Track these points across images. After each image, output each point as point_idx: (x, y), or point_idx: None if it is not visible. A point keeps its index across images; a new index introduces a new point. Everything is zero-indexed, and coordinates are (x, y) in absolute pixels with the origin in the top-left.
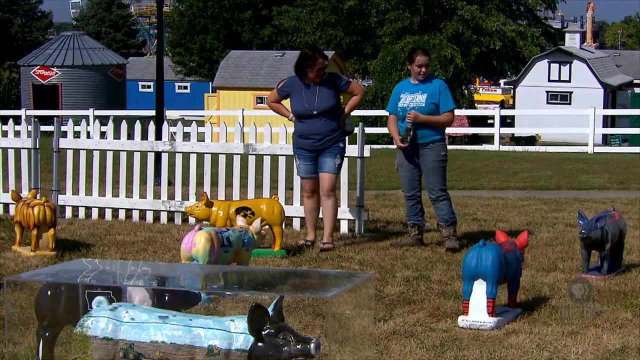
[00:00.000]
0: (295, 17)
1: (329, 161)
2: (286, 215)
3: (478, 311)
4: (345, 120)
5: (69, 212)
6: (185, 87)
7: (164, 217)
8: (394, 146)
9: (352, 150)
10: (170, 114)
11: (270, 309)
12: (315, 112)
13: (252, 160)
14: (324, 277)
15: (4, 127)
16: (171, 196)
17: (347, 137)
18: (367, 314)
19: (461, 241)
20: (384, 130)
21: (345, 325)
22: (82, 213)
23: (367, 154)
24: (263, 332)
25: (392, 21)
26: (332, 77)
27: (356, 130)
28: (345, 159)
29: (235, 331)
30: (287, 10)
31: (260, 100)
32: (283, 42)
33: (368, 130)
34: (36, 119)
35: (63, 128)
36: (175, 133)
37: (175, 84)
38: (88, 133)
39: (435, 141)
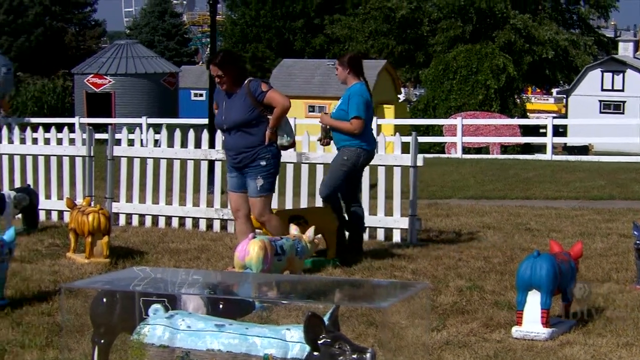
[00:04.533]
0: (347, 26)
1: (250, 184)
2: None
3: (532, 322)
4: (275, 133)
5: (122, 220)
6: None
7: (217, 225)
8: (445, 155)
9: (405, 159)
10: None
11: (326, 318)
12: (224, 127)
13: (305, 168)
14: (378, 286)
15: (59, 135)
16: (224, 204)
17: (280, 152)
18: (420, 324)
19: (513, 250)
20: (436, 139)
21: (399, 335)
22: (135, 221)
23: (420, 163)
24: (319, 342)
25: (444, 30)
26: (249, 87)
27: (409, 139)
28: (398, 169)
29: (291, 340)
30: (340, 19)
31: (312, 108)
32: (335, 51)
33: (420, 139)
34: (91, 127)
35: (117, 136)
36: None
37: None
38: (142, 141)
39: (344, 146)
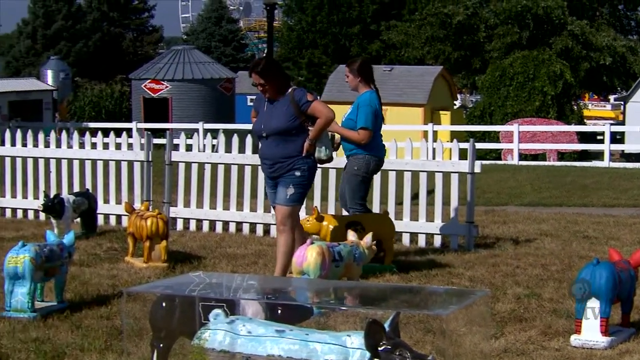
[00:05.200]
0: (403, 32)
1: (280, 191)
2: (396, 230)
3: (591, 330)
4: (314, 146)
5: (180, 225)
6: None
7: (274, 231)
8: (501, 161)
9: (462, 165)
10: None
11: (386, 325)
12: (264, 134)
13: None
14: (437, 294)
15: (117, 140)
16: None
17: (316, 165)
18: (478, 331)
19: (571, 258)
20: (492, 145)
21: (457, 342)
22: (193, 225)
23: (477, 169)
24: (379, 348)
25: (500, 36)
26: (294, 95)
27: (466, 145)
28: (455, 175)
29: (352, 346)
30: (396, 25)
31: None
32: (391, 57)
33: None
34: (149, 132)
35: (175, 141)
36: None
37: None
38: (201, 146)
39: (352, 155)
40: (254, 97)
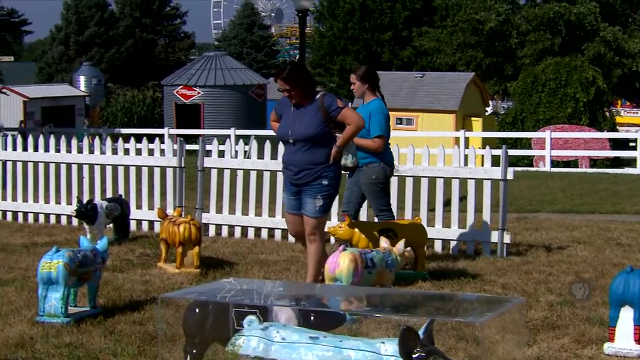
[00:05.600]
0: (435, 38)
1: (308, 203)
2: (428, 237)
3: (625, 338)
4: (341, 153)
5: (212, 231)
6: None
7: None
8: (533, 168)
9: (495, 172)
10: None
11: (421, 332)
12: (291, 140)
13: (394, 181)
14: (469, 301)
15: (150, 146)
16: None
17: (341, 172)
18: (512, 339)
19: (604, 265)
20: (524, 152)
21: (492, 350)
22: (225, 231)
23: (510, 176)
24: (413, 355)
25: (532, 42)
26: (323, 101)
27: (499, 152)
28: (488, 182)
29: (386, 353)
30: (427, 31)
31: (399, 121)
32: (423, 64)
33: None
34: (181, 138)
35: (207, 147)
36: None
37: None
38: (233, 152)
39: (366, 164)
40: None
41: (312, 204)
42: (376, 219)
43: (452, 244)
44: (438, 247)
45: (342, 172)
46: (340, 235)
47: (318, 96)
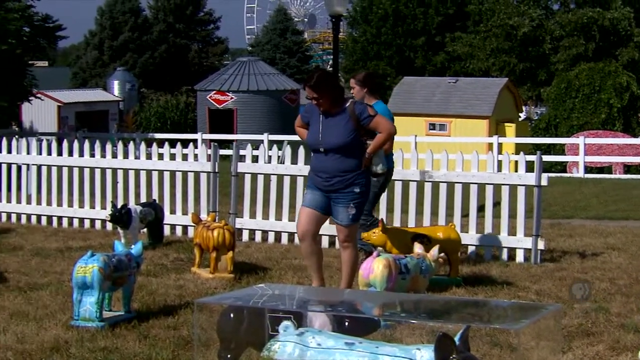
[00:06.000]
0: (468, 44)
1: (341, 211)
2: (462, 243)
3: None
4: (371, 160)
5: (246, 236)
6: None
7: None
8: (567, 174)
9: (529, 178)
10: None
11: (456, 339)
12: (322, 149)
13: (428, 187)
14: (504, 307)
15: (184, 151)
16: None
17: (371, 179)
18: (547, 346)
19: (639, 272)
20: (557, 158)
21: (527, 357)
22: (258, 237)
23: (544, 182)
24: None
25: (566, 48)
26: (354, 109)
27: (533, 158)
28: (522, 188)
29: None
30: (461, 36)
31: (432, 126)
32: (456, 69)
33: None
34: (216, 144)
35: (241, 152)
36: None
37: None
38: (266, 157)
39: None
40: None
41: (345, 213)
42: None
43: (486, 250)
44: (472, 253)
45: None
46: (374, 240)
47: (348, 104)
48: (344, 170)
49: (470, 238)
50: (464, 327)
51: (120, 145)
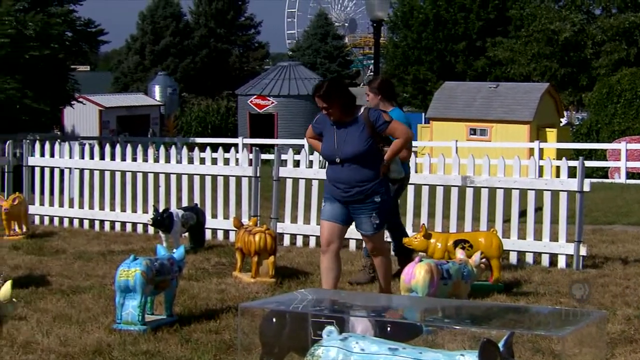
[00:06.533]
0: (509, 49)
1: (365, 222)
2: (503, 248)
3: None
4: (389, 167)
5: (287, 240)
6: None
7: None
8: (608, 180)
9: (571, 184)
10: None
11: (500, 345)
12: (338, 160)
13: (469, 192)
14: (546, 313)
15: (226, 155)
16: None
17: (391, 185)
18: (590, 353)
19: None
20: (599, 163)
21: None
22: (300, 241)
23: (587, 188)
24: None
25: (608, 53)
26: (368, 116)
27: (576, 163)
28: (564, 193)
29: None
30: (502, 41)
31: (473, 131)
32: (497, 74)
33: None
34: (257, 148)
35: (282, 157)
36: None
37: None
38: (307, 162)
39: None
40: None
41: (368, 223)
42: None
43: (528, 255)
44: (513, 258)
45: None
46: (415, 246)
47: (361, 111)
48: (362, 180)
49: (511, 244)
50: (508, 333)
51: (162, 149)
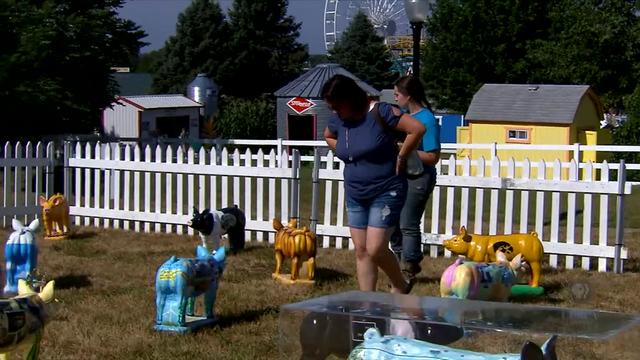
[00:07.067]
0: (549, 51)
1: (374, 212)
2: (544, 251)
3: None
4: (406, 162)
5: (326, 242)
6: (437, 120)
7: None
8: None
9: (612, 187)
10: None
11: (543, 348)
12: (350, 158)
13: (509, 194)
14: (587, 317)
15: (265, 157)
16: (428, 229)
17: (407, 183)
18: (632, 357)
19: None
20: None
21: None
22: (339, 243)
23: (627, 191)
24: None
25: None
26: (379, 112)
27: (616, 166)
28: (605, 196)
29: None
30: (541, 43)
31: (512, 134)
32: (536, 76)
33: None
34: (297, 150)
35: (322, 159)
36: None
37: None
38: None
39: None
40: None
41: (378, 214)
42: (401, 228)
43: (568, 258)
44: (554, 261)
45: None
46: (455, 248)
47: (372, 107)
48: (376, 177)
49: (552, 246)
50: (551, 337)
51: (202, 151)
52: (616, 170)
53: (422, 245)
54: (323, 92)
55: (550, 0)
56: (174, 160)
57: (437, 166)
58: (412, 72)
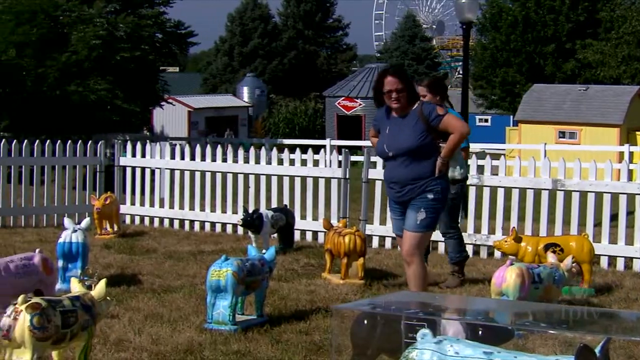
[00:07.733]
0: (599, 51)
1: (410, 215)
2: (595, 253)
3: None
4: (447, 165)
5: (376, 242)
6: (486, 120)
7: (469, 250)
8: None
9: None
10: (472, 147)
11: (597, 351)
12: (390, 154)
13: (560, 195)
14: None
15: (315, 157)
16: (477, 229)
17: (449, 186)
18: None
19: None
20: None
21: None
22: (388, 243)
23: None
24: None
25: None
26: (422, 110)
27: None
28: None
29: None
30: (591, 43)
31: (562, 134)
32: (587, 76)
33: None
34: (347, 150)
35: (372, 159)
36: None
37: (476, 116)
38: None
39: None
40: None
41: (413, 217)
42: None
43: (619, 260)
44: (604, 263)
45: (451, 185)
46: (505, 249)
47: (416, 105)
48: (414, 177)
49: (602, 248)
50: (605, 339)
51: (252, 150)
52: None
53: (465, 244)
54: (385, 73)
55: (600, 0)
56: (224, 160)
57: (487, 166)
58: (461, 72)
